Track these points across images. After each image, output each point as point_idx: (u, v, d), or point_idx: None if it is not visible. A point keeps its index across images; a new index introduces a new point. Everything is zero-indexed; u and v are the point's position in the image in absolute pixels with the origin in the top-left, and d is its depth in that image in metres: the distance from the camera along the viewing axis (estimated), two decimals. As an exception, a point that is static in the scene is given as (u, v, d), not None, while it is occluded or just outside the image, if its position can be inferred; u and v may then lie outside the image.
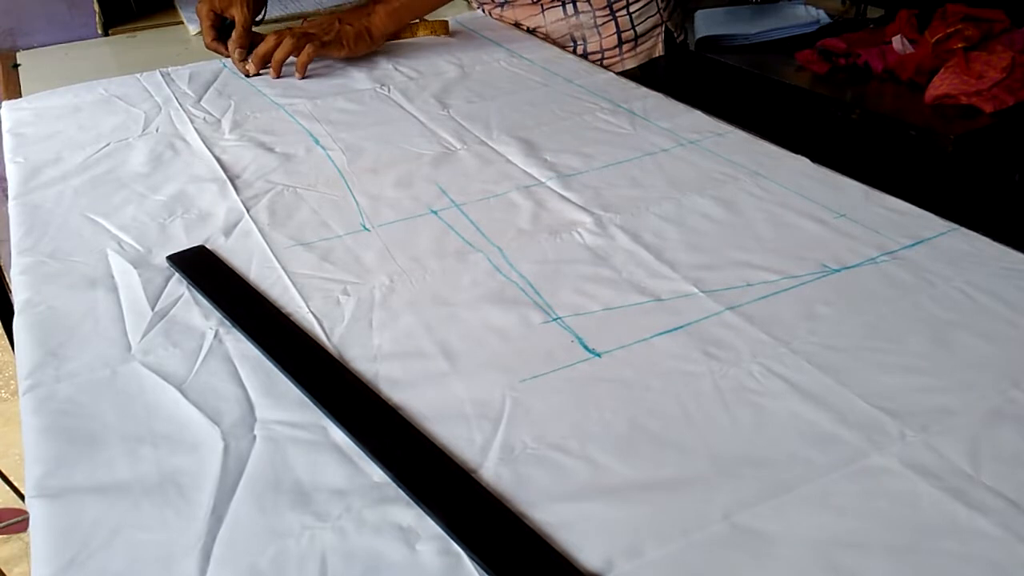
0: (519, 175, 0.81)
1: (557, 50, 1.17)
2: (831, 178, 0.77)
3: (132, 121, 0.97)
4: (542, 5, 1.22)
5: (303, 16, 1.37)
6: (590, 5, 1.21)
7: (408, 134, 0.92)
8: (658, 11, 1.26)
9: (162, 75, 1.10)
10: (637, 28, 1.23)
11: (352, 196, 0.79)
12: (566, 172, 0.81)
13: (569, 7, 1.21)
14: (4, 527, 1.47)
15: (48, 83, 1.09)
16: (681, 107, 0.95)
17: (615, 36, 1.23)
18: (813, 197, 0.73)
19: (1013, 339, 0.56)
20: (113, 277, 0.67)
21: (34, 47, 1.28)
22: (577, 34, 1.23)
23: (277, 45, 1.09)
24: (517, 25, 1.26)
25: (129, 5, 1.40)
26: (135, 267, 0.68)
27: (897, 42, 1.34)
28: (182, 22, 1.36)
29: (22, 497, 0.48)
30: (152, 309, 0.63)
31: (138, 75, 1.11)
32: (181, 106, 1.01)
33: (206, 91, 1.05)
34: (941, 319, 0.58)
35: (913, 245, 0.66)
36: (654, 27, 1.26)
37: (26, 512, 0.47)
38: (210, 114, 0.98)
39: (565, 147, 0.86)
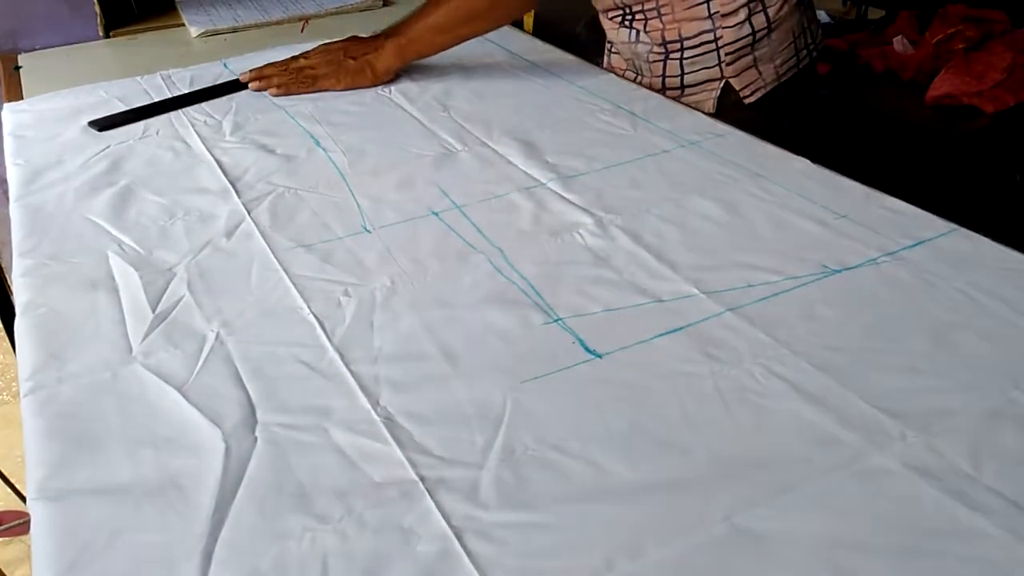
0: (520, 176, 0.81)
1: (559, 51, 1.17)
2: (831, 179, 0.77)
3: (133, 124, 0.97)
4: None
5: (304, 18, 1.37)
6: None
7: (409, 135, 0.92)
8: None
9: (163, 78, 1.10)
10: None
11: (353, 198, 0.79)
12: (567, 173, 0.81)
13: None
14: (6, 529, 1.47)
15: (49, 85, 1.10)
16: (681, 108, 0.95)
17: None
18: (813, 198, 0.73)
19: (1014, 339, 0.56)
20: (114, 279, 0.67)
21: (35, 49, 1.28)
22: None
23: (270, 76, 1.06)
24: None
25: (130, 7, 1.40)
26: (136, 269, 0.68)
27: (898, 43, 1.34)
28: (183, 24, 1.36)
29: (24, 499, 0.48)
30: (153, 311, 0.63)
31: (139, 78, 1.11)
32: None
33: (207, 93, 1.06)
34: (942, 320, 0.58)
35: (914, 246, 0.66)
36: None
37: (28, 514, 0.47)
38: (211, 116, 0.99)
39: (566, 148, 0.86)
